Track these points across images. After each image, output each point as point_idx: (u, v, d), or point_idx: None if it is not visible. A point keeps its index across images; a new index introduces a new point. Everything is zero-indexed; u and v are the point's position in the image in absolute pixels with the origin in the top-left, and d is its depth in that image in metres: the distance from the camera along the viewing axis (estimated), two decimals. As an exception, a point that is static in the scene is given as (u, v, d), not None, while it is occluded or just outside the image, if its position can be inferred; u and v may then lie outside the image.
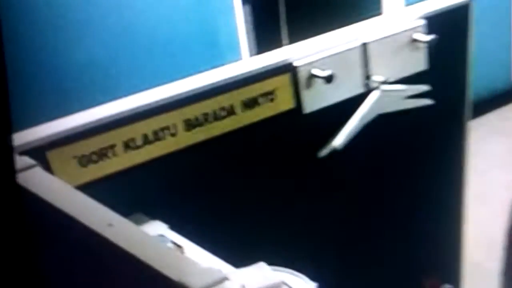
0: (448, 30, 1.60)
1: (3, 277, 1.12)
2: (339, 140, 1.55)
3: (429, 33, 1.56)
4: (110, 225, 1.07)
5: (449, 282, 1.88)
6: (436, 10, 1.60)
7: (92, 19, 1.80)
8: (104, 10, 1.83)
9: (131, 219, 1.15)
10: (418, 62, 1.58)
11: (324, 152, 1.55)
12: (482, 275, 2.26)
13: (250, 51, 2.16)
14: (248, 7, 2.17)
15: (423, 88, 1.59)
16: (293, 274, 1.42)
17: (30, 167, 1.22)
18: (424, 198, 1.72)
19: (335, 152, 1.55)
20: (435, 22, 1.57)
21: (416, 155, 1.70)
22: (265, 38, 2.47)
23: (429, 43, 1.56)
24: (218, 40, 1.93)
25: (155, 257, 0.97)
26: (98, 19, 1.82)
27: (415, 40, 1.57)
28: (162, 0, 1.88)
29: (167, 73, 1.42)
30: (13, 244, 1.13)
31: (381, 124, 1.56)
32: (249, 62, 1.53)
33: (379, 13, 2.65)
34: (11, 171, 1.15)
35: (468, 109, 1.72)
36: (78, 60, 1.64)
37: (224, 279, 0.93)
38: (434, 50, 1.57)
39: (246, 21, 2.13)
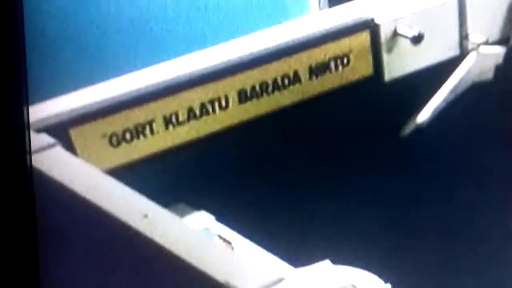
0: None
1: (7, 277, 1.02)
2: (425, 114, 1.37)
3: None
4: (145, 216, 0.98)
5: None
6: None
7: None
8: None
9: (171, 210, 1.05)
10: None
11: (407, 129, 1.36)
12: None
13: (320, 4, 1.96)
14: None
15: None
16: (365, 273, 1.25)
17: (49, 146, 1.08)
18: None
19: (422, 129, 1.36)
20: None
21: None
22: None
23: None
24: None
25: (198, 255, 0.91)
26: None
27: None
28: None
29: (220, 32, 1.26)
30: (23, 240, 1.02)
31: (476, 96, 1.36)
32: (319, 17, 1.39)
33: None
34: (24, 151, 1.01)
35: None
36: (108, 17, 1.43)
37: (280, 280, 0.87)
38: None
39: None
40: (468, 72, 1.36)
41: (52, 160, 1.05)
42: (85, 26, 1.43)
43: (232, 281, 0.83)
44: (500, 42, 1.41)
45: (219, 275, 0.84)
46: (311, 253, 1.22)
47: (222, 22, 1.30)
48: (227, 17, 1.39)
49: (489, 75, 1.40)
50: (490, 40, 1.38)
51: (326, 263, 1.23)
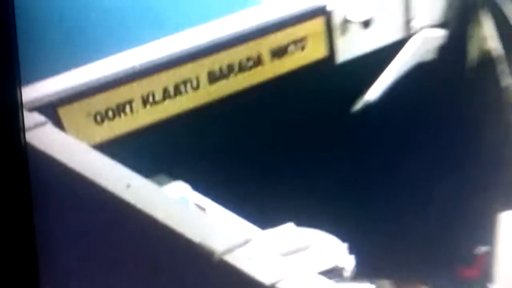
0: None
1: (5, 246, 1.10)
2: (375, 92, 1.49)
3: None
4: (128, 186, 1.06)
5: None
6: None
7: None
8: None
9: (151, 181, 1.15)
10: (462, 4, 1.50)
11: (358, 106, 1.48)
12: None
13: None
14: None
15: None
16: (323, 234, 1.38)
17: (40, 124, 1.17)
18: (465, 159, 1.64)
19: (370, 106, 1.48)
20: None
21: (451, 106, 1.60)
22: None
23: None
24: None
25: (176, 219, 1.01)
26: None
27: None
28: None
29: (186, 19, 1.36)
30: (17, 207, 1.09)
31: (421, 74, 1.49)
32: (277, 5, 1.46)
33: None
34: (18, 128, 1.09)
35: None
36: (92, 5, 1.54)
37: (248, 241, 1.00)
38: None
39: None
40: (413, 53, 1.47)
41: (44, 137, 1.14)
42: (72, 15, 1.51)
43: (205, 241, 0.98)
44: (440, 25, 1.50)
45: (194, 236, 0.98)
46: (276, 216, 1.33)
47: (192, 10, 1.40)
48: (197, 5, 1.49)
49: (432, 55, 1.49)
50: (432, 24, 1.48)
51: (290, 225, 1.35)
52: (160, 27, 1.24)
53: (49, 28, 1.45)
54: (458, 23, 1.53)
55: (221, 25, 1.30)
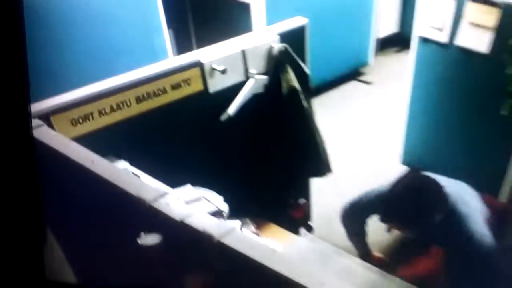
0: (293, 40, 2.10)
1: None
2: (232, 109, 2.00)
3: (281, 42, 2.05)
4: (93, 162, 1.33)
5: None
6: (286, 29, 2.09)
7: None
8: (83, 27, 2.58)
9: (106, 159, 1.47)
10: (276, 61, 2.07)
11: (224, 116, 2.00)
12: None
13: (174, 54, 3.07)
14: (172, 30, 3.23)
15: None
16: (208, 191, 1.76)
17: (40, 125, 1.54)
18: (286, 147, 2.24)
19: (230, 117, 2.01)
20: (285, 36, 2.08)
21: (275, 116, 2.16)
22: (182, 46, 3.62)
23: (282, 49, 2.03)
24: (155, 49, 2.79)
25: (123, 181, 1.25)
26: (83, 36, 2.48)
27: (273, 48, 2.03)
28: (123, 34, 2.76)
29: (128, 68, 1.80)
30: (26, 172, 1.40)
31: (255, 99, 2.06)
32: (174, 60, 1.95)
33: (251, 30, 3.39)
34: (29, 128, 1.46)
35: (310, 91, 2.25)
36: (74, 58, 2.14)
37: (166, 193, 1.22)
38: (285, 53, 2.06)
39: (170, 39, 3.12)
40: (250, 87, 2.01)
41: (42, 133, 1.49)
42: (64, 51, 2.00)
43: (141, 194, 1.21)
44: (264, 73, 2.05)
45: (134, 191, 1.23)
46: (180, 181, 1.68)
47: (130, 62, 1.90)
48: (133, 62, 2.00)
49: (261, 89, 2.05)
50: (259, 72, 2.02)
51: (189, 186, 1.74)
52: (110, 72, 1.75)
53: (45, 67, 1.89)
54: (275, 71, 2.08)
55: (145, 70, 1.78)
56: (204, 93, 1.93)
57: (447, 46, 2.91)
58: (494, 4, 2.62)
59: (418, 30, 3.04)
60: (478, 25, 2.73)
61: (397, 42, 5.40)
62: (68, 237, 1.70)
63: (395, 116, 4.22)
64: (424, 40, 3.03)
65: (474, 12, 2.73)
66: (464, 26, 2.81)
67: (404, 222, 1.86)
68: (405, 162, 3.59)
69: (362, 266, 1.65)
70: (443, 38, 2.92)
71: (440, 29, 2.91)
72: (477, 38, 2.75)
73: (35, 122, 1.53)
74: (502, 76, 2.55)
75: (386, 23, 5.20)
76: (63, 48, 2.54)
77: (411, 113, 3.40)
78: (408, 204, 1.82)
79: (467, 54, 2.84)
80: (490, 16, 2.66)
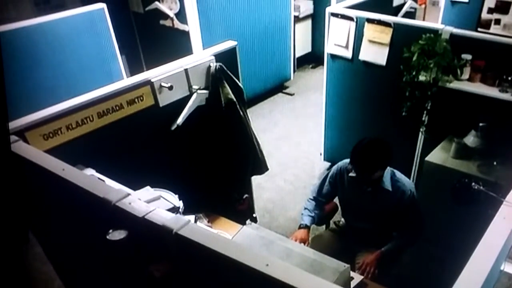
0: (227, 59, 2.29)
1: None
2: (180, 119, 2.15)
3: (216, 62, 2.23)
4: (63, 170, 1.38)
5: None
6: (220, 50, 2.30)
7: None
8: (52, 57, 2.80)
9: (75, 167, 1.54)
10: (214, 77, 2.22)
11: (173, 126, 2.14)
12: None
13: (127, 75, 3.35)
14: (124, 56, 3.65)
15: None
16: (165, 191, 1.87)
17: (17, 140, 1.64)
18: (229, 150, 2.39)
19: (179, 126, 2.14)
20: (219, 56, 2.26)
21: (217, 124, 2.31)
22: (134, 68, 3.98)
23: (217, 67, 2.21)
24: (111, 72, 3.08)
25: (90, 186, 1.28)
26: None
27: (210, 66, 2.21)
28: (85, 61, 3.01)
29: (90, 89, 1.88)
30: (8, 179, 1.54)
31: (199, 110, 2.22)
32: (128, 80, 2.08)
33: (191, 53, 3.65)
34: (8, 143, 1.59)
35: (245, 102, 2.43)
36: (43, 83, 2.26)
37: (128, 194, 1.25)
38: (221, 71, 2.24)
39: (123, 63, 3.41)
40: (194, 100, 2.16)
41: (19, 148, 1.58)
42: (35, 77, 2.19)
43: (106, 196, 1.23)
44: (206, 88, 2.21)
45: (100, 193, 1.25)
46: (141, 183, 1.79)
47: (90, 84, 1.99)
48: (91, 82, 2.14)
49: (203, 101, 2.19)
50: (201, 87, 2.17)
51: (148, 188, 1.83)
52: (75, 93, 1.87)
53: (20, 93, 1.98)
54: (214, 86, 2.23)
55: (104, 90, 1.89)
56: (155, 107, 2.07)
57: (352, 61, 3.20)
58: (387, 24, 2.97)
59: (328, 48, 3.33)
60: (376, 42, 3.04)
61: (311, 59, 5.99)
62: (47, 236, 1.78)
63: (315, 120, 4.62)
64: (333, 57, 3.34)
65: (372, 32, 3.04)
66: (364, 43, 3.10)
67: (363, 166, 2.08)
68: (327, 159, 3.92)
69: (300, 248, 1.74)
70: (348, 54, 3.23)
71: (345, 47, 3.20)
72: (376, 53, 3.06)
73: (12, 138, 1.63)
74: (400, 83, 2.81)
75: (301, 44, 5.73)
76: (34, 74, 2.67)
77: (327, 117, 3.74)
78: (371, 150, 2.07)
79: (369, 66, 3.13)
80: (384, 35, 2.97)
